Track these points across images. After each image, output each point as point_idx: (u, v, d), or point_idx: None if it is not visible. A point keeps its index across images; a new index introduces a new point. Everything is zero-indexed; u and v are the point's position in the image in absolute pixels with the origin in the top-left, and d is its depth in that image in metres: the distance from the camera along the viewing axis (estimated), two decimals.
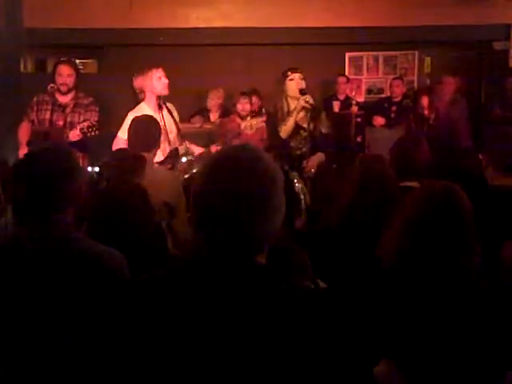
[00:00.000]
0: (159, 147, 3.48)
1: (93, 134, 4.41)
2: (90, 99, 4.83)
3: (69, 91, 4.75)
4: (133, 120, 3.41)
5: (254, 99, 6.53)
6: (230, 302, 1.10)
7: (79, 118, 4.70)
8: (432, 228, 1.81)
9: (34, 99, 4.79)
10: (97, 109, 4.83)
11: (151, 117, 3.52)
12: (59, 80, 4.74)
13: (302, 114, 4.34)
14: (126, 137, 3.45)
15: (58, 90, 4.76)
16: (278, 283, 1.15)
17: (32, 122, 4.74)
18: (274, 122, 4.47)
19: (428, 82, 7.72)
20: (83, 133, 4.37)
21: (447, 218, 1.81)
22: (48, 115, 4.74)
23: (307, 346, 1.08)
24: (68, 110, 4.75)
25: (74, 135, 4.40)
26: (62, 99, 4.77)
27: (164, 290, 1.16)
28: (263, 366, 1.07)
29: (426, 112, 5.28)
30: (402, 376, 1.52)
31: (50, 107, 4.76)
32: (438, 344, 1.54)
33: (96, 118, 4.71)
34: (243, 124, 5.39)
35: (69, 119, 4.71)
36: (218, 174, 1.15)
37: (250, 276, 1.13)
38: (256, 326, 1.09)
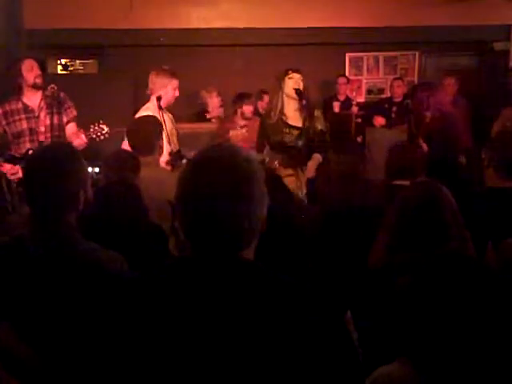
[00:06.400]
0: (162, 147, 3.47)
1: (102, 138, 4.06)
2: (61, 94, 4.14)
3: (41, 87, 4.13)
4: (131, 123, 3.40)
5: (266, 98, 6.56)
6: (213, 298, 1.12)
7: (60, 119, 4.12)
8: (415, 220, 2.06)
9: None
10: (71, 102, 4.27)
11: (150, 117, 3.52)
12: (31, 75, 4.10)
13: (296, 114, 4.40)
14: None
15: (31, 88, 4.11)
16: (262, 279, 1.16)
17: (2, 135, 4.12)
18: (264, 121, 4.53)
19: None
20: (91, 139, 4.01)
21: (428, 210, 2.07)
22: (25, 125, 4.12)
23: (295, 343, 1.08)
24: (43, 113, 4.14)
25: (81, 143, 3.97)
26: (31, 102, 4.15)
27: (150, 288, 1.18)
28: (249, 363, 1.08)
29: (421, 107, 5.23)
30: (416, 374, 1.49)
31: (23, 116, 4.12)
32: (452, 338, 1.50)
33: (75, 113, 4.26)
34: (231, 133, 5.39)
35: (48, 122, 4.10)
36: (199, 175, 1.18)
37: (234, 272, 1.15)
38: (240, 323, 1.10)
